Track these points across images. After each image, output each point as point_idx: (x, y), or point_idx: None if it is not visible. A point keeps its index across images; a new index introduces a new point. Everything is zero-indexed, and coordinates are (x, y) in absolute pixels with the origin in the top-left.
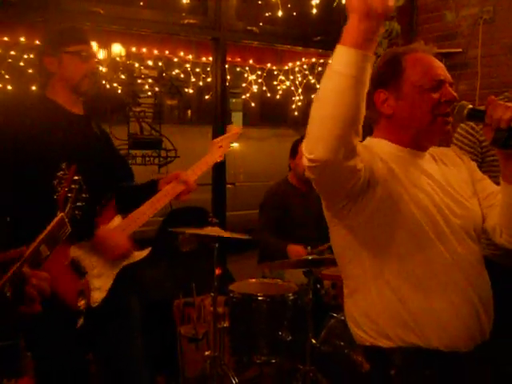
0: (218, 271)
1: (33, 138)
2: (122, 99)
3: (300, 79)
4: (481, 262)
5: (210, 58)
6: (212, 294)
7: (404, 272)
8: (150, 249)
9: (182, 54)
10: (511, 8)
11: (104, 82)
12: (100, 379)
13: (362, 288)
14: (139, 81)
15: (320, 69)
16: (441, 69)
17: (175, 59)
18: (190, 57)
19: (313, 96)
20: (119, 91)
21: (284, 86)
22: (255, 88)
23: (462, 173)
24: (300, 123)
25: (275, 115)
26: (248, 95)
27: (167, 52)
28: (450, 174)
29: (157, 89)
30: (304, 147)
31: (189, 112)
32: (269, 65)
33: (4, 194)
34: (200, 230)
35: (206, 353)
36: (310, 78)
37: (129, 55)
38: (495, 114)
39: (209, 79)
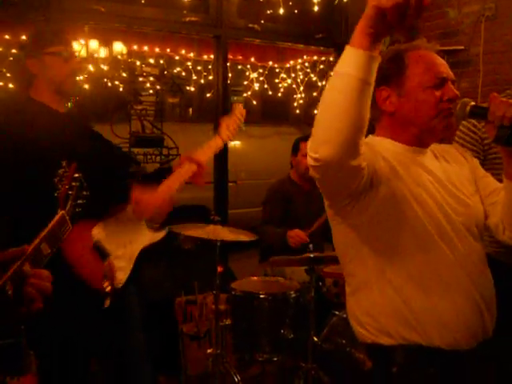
0: (219, 269)
1: (32, 136)
2: (124, 97)
3: (301, 77)
4: (483, 259)
5: (212, 56)
6: (214, 292)
7: (406, 271)
8: (166, 229)
9: (183, 51)
10: None
11: (105, 80)
12: (102, 377)
13: (364, 286)
14: (141, 79)
15: (322, 66)
16: (443, 66)
17: (177, 57)
18: (192, 55)
19: (314, 94)
20: (121, 89)
21: (285, 84)
22: (257, 86)
23: (464, 170)
24: (302, 121)
25: (277, 113)
26: (249, 93)
27: (169, 50)
28: (451, 172)
29: (158, 87)
30: (309, 146)
31: (190, 110)
32: (270, 63)
33: (4, 193)
34: (202, 229)
35: (208, 351)
36: (312, 75)
37: (130, 53)
38: (498, 111)
39: (210, 77)
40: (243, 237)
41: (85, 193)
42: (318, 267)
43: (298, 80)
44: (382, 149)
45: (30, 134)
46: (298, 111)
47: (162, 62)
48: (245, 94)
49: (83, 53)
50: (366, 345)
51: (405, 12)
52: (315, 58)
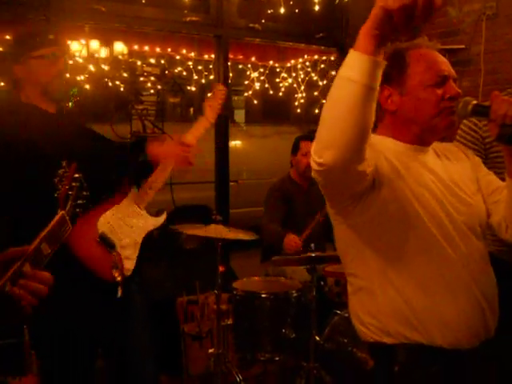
0: (221, 269)
1: (27, 137)
2: (125, 97)
3: (302, 76)
4: (485, 258)
5: (213, 56)
6: (215, 292)
7: (408, 270)
8: (165, 213)
9: (184, 51)
10: None
11: (106, 80)
12: (106, 373)
13: (366, 286)
14: (141, 79)
15: (322, 66)
16: (445, 64)
17: (177, 57)
18: (193, 54)
19: (315, 93)
20: (122, 89)
21: (286, 84)
22: (257, 85)
23: (466, 168)
24: (303, 120)
25: (278, 112)
26: (250, 93)
27: (169, 50)
28: (453, 170)
29: (159, 87)
30: (313, 150)
31: (191, 110)
32: (271, 62)
33: (4, 193)
34: (204, 228)
35: (210, 350)
36: (313, 75)
37: (131, 53)
38: (500, 110)
39: (211, 77)
40: (242, 235)
41: (85, 193)
42: (320, 266)
43: (299, 79)
44: (383, 148)
45: (24, 135)
46: (298, 110)
47: (162, 61)
48: (246, 94)
49: (84, 53)
50: (368, 344)
51: (412, 14)
52: (316, 57)
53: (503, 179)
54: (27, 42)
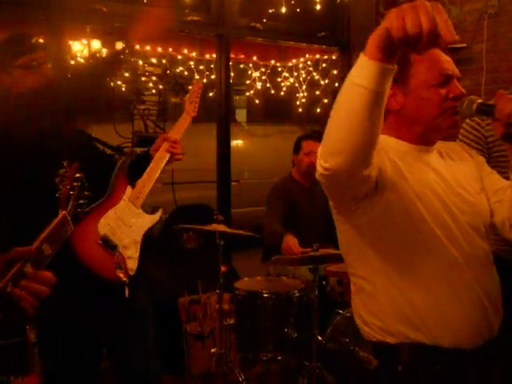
0: (223, 268)
1: (31, 136)
2: (126, 97)
3: (304, 76)
4: (489, 258)
5: (214, 55)
6: (217, 292)
7: (411, 271)
8: (161, 210)
9: (185, 51)
10: None
11: (108, 79)
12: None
13: (368, 286)
14: (143, 78)
15: (324, 65)
16: (448, 63)
17: (179, 56)
18: (194, 54)
19: (317, 92)
20: (123, 89)
21: (288, 83)
22: (259, 85)
23: (470, 168)
24: (304, 120)
25: (279, 112)
26: (252, 92)
27: (171, 49)
28: (457, 170)
29: (161, 86)
30: (319, 154)
31: None
32: (272, 61)
33: (4, 193)
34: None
35: (212, 350)
36: (314, 74)
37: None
38: (506, 109)
39: (213, 76)
40: (242, 232)
41: (86, 193)
42: (322, 266)
43: (301, 79)
44: (386, 147)
45: (25, 134)
46: (300, 110)
47: (164, 61)
48: (247, 93)
49: (85, 52)
50: (372, 343)
51: (417, 43)
52: (318, 56)
53: (507, 178)
54: (8, 50)
